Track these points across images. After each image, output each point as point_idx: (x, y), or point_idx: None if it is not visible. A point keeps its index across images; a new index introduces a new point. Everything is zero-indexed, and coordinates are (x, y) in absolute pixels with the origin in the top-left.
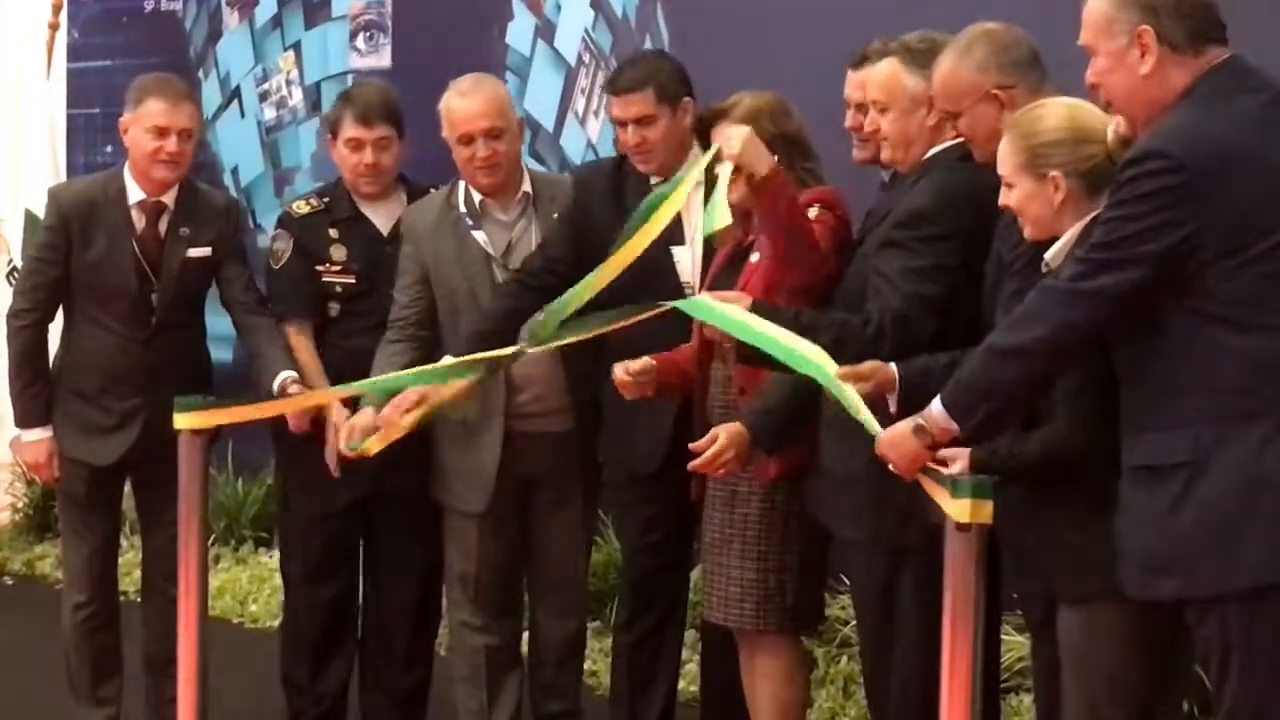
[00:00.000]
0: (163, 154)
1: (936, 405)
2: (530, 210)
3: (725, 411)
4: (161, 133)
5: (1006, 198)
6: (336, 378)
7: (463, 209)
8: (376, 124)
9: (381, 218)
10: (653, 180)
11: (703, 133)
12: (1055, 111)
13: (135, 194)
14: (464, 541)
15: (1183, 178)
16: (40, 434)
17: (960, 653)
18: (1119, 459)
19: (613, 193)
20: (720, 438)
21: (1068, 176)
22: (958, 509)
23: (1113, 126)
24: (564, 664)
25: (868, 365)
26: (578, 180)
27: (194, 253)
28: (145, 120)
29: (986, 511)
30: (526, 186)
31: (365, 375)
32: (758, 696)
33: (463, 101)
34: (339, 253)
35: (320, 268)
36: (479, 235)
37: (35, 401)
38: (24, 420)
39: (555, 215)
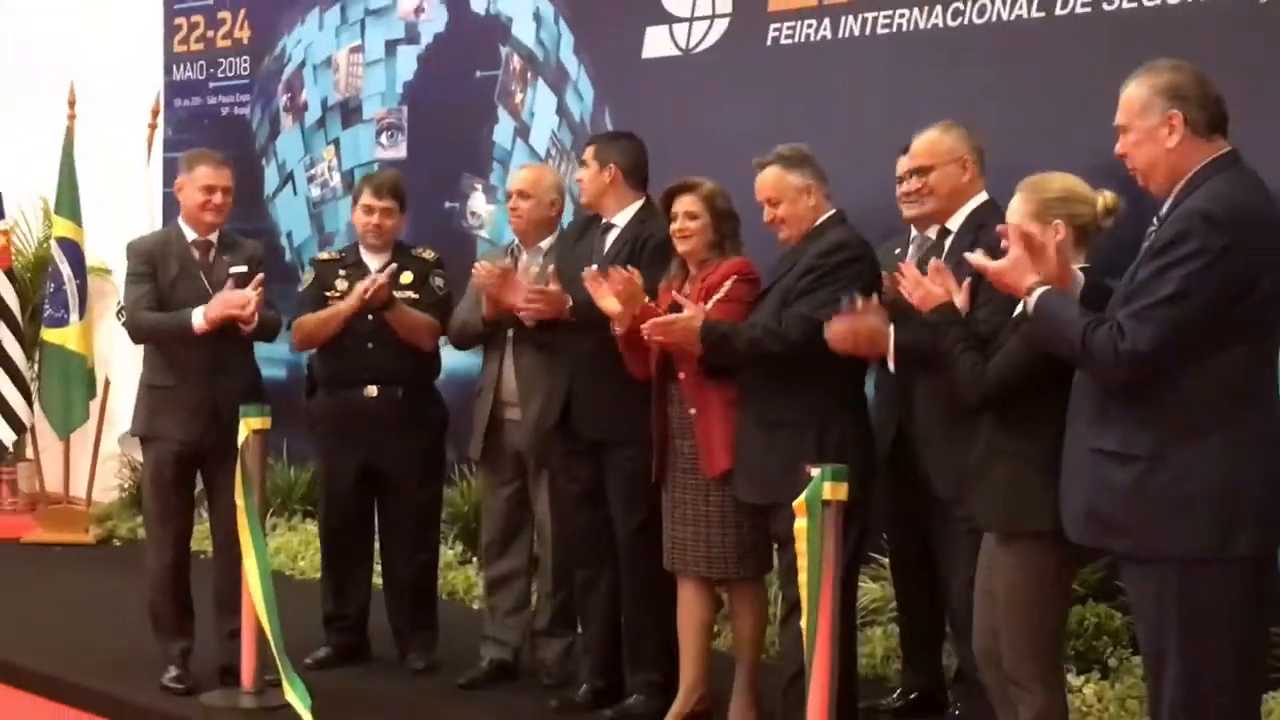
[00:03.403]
0: (210, 205)
1: None
2: (550, 256)
3: (683, 424)
4: (209, 190)
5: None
6: (331, 378)
7: (515, 251)
8: (385, 197)
9: (375, 265)
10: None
11: (667, 201)
12: (1063, 178)
13: (190, 236)
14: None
15: None
16: (199, 311)
17: (826, 596)
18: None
19: (576, 237)
20: (682, 318)
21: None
22: (826, 489)
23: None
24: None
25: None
26: (564, 228)
27: (234, 269)
28: (198, 180)
29: (843, 491)
30: (544, 243)
31: (355, 375)
32: (743, 627)
33: (516, 173)
34: (342, 285)
35: (328, 294)
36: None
37: (177, 319)
38: (177, 326)
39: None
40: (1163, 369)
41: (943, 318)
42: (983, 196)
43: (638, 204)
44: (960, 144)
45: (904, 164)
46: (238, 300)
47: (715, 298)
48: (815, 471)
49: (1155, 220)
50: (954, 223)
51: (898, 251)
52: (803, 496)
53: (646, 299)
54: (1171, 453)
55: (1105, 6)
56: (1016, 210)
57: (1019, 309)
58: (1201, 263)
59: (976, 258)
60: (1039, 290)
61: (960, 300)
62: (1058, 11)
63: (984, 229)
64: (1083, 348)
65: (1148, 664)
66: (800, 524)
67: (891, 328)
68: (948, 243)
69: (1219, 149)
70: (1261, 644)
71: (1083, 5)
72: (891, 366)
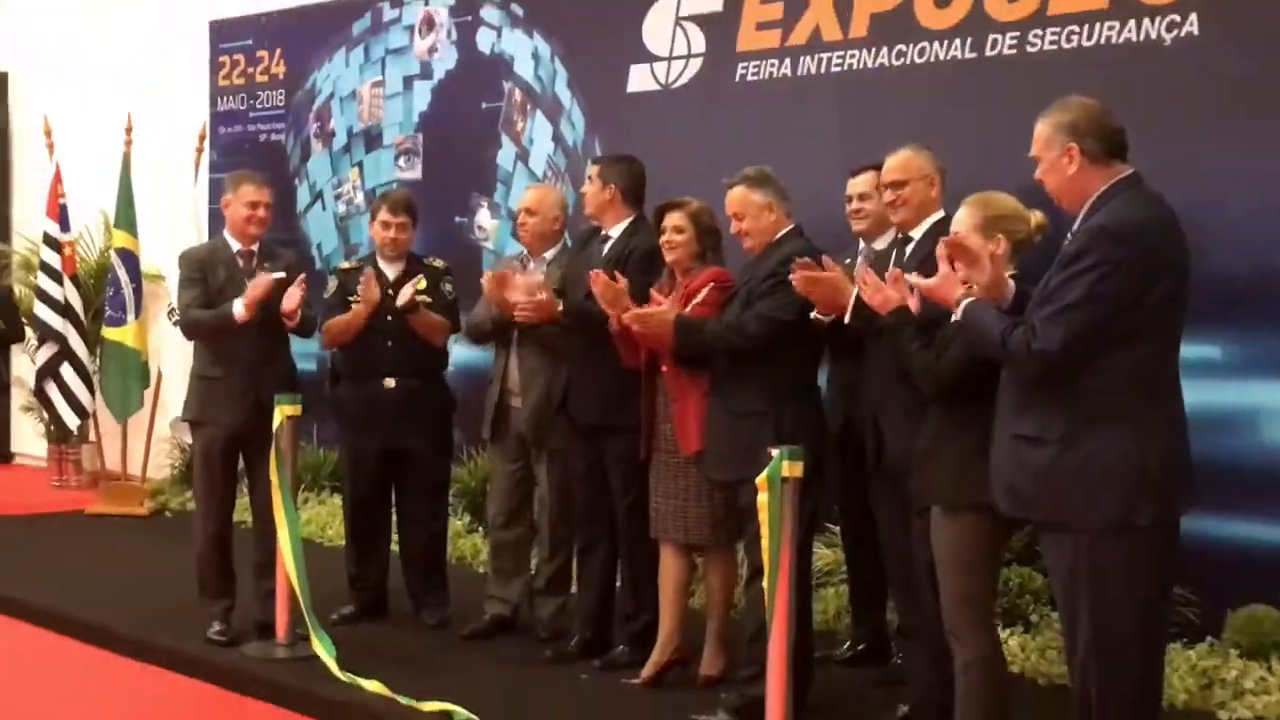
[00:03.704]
0: (254, 219)
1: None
2: (554, 265)
3: (666, 411)
4: (253, 205)
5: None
6: (355, 371)
7: (528, 258)
8: (399, 214)
9: (392, 273)
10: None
11: (659, 215)
12: (1006, 199)
13: (235, 246)
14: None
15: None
16: (238, 301)
17: (784, 561)
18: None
19: (580, 244)
20: (658, 311)
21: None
22: (784, 467)
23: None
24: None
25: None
26: (567, 242)
27: (274, 274)
28: (243, 198)
29: (798, 469)
30: (549, 254)
31: (377, 368)
32: (715, 586)
33: (525, 192)
34: (362, 290)
35: (351, 298)
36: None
37: (220, 312)
38: (222, 317)
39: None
40: (1071, 365)
41: (899, 319)
42: (942, 213)
43: (630, 219)
44: (929, 164)
45: (854, 184)
46: (264, 281)
47: (694, 301)
48: (775, 452)
49: (1069, 235)
50: (916, 232)
51: (848, 262)
52: (764, 474)
53: (630, 301)
54: (1080, 437)
55: (1029, 49)
56: (964, 221)
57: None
58: (1101, 273)
59: (913, 278)
60: (965, 302)
61: (913, 304)
62: (988, 53)
63: (940, 241)
64: (1003, 347)
65: (1063, 620)
66: (762, 498)
67: (855, 289)
68: (909, 249)
69: (1119, 172)
70: (1164, 603)
71: (1009, 47)
72: (848, 319)
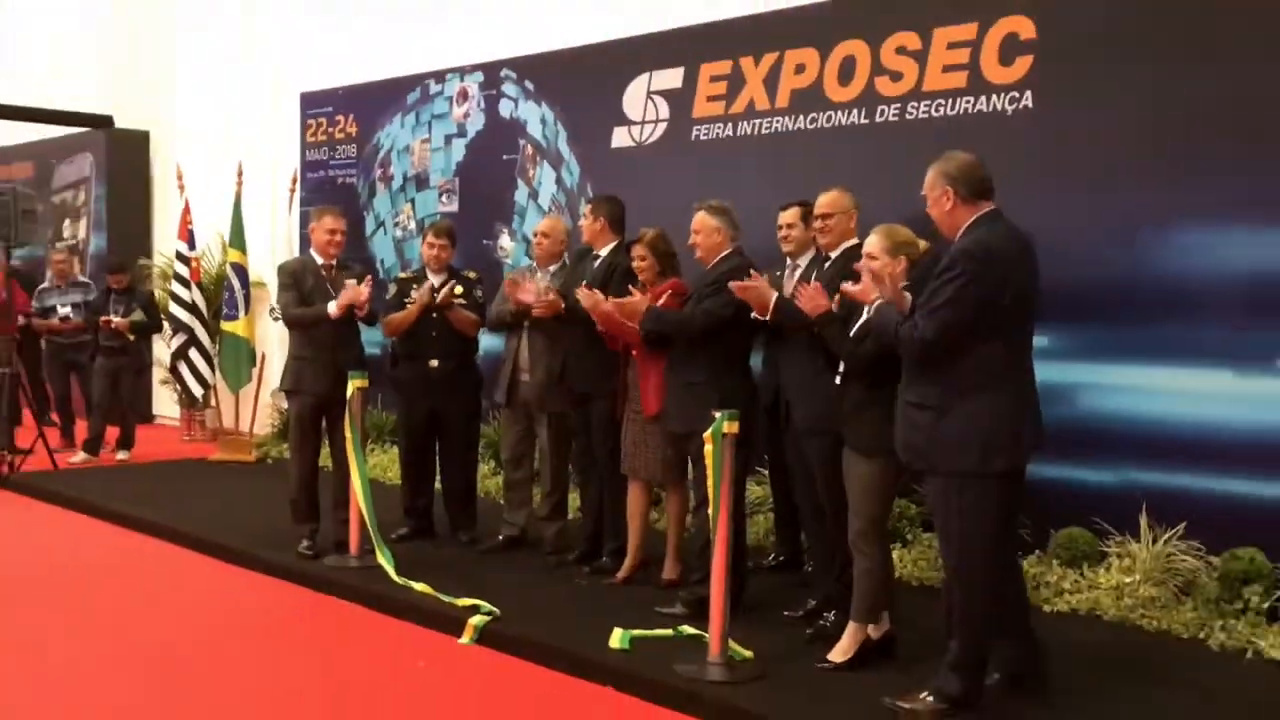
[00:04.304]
0: (333, 242)
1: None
2: (555, 277)
3: (635, 382)
4: (333, 232)
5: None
6: (409, 353)
7: (536, 269)
8: (442, 237)
9: (436, 282)
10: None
11: (628, 246)
12: (904, 229)
13: (319, 261)
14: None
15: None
16: (332, 303)
17: (724, 494)
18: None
19: (577, 260)
20: (634, 300)
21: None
22: (725, 426)
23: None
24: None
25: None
26: (565, 261)
27: (349, 282)
28: (325, 225)
29: (735, 427)
30: (553, 268)
31: (425, 352)
32: (672, 513)
33: (541, 221)
34: (415, 294)
35: (406, 300)
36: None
37: (316, 311)
38: (318, 314)
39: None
40: (942, 350)
41: (825, 319)
42: (855, 239)
43: (614, 243)
44: (850, 202)
45: (783, 216)
46: (358, 293)
47: (658, 304)
48: (717, 415)
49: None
50: (834, 253)
51: (778, 275)
52: (710, 430)
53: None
54: (952, 405)
55: (908, 117)
56: (875, 244)
57: (865, 313)
58: (963, 282)
59: (847, 286)
60: (877, 304)
61: (833, 305)
62: (877, 120)
63: (851, 261)
64: (895, 337)
65: (939, 542)
66: (708, 449)
67: (775, 294)
68: (826, 265)
69: (983, 209)
70: (1013, 528)
71: (893, 116)
72: (769, 317)
